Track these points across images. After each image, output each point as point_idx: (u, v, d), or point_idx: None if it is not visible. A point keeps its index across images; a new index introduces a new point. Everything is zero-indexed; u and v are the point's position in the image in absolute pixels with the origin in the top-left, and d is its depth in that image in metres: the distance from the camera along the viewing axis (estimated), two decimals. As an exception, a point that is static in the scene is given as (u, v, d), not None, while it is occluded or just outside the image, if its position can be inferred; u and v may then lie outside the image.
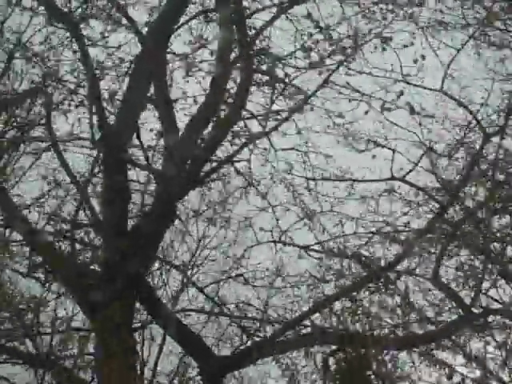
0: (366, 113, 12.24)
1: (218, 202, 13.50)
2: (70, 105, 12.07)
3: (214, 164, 11.91)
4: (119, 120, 10.84)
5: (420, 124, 12.42)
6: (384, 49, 11.74)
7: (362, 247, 13.08)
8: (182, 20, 11.62)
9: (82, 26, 11.15)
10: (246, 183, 13.07)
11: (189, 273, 12.81)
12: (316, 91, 11.92)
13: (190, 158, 11.21)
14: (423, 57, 11.66)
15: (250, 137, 12.04)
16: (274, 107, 12.22)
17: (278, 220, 13.14)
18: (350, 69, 12.03)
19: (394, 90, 11.92)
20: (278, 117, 12.04)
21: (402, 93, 11.98)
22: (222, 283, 12.72)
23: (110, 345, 9.60)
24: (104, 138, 10.76)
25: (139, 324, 12.51)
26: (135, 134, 11.26)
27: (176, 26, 11.51)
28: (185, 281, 12.40)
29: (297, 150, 12.47)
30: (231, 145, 12.39)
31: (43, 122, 11.85)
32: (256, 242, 13.43)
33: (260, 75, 12.27)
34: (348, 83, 12.06)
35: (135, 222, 11.16)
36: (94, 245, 11.71)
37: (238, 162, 12.75)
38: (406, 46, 11.68)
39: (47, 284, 11.85)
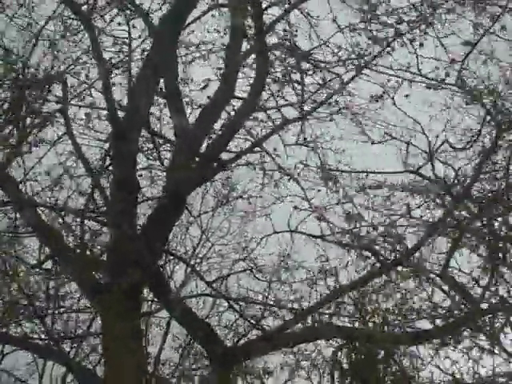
0: (407, 96, 12.12)
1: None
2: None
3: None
4: (129, 112, 10.93)
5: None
6: (421, 44, 11.66)
7: (375, 239, 12.99)
8: (195, 14, 11.65)
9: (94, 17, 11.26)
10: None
11: (196, 266, 12.80)
12: (355, 76, 11.87)
13: (204, 148, 11.35)
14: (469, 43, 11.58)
15: (284, 122, 11.92)
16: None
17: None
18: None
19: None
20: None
21: (448, 74, 11.86)
22: (229, 276, 12.70)
23: (117, 330, 9.77)
24: (114, 129, 10.93)
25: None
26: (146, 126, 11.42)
27: (189, 21, 11.56)
28: (190, 273, 12.39)
29: (306, 145, 12.36)
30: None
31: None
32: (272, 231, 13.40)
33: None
34: (390, 67, 11.93)
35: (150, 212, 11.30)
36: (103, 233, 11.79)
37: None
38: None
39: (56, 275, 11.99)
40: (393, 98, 12.27)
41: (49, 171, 11.88)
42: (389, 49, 11.70)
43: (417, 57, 11.76)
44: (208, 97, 11.75)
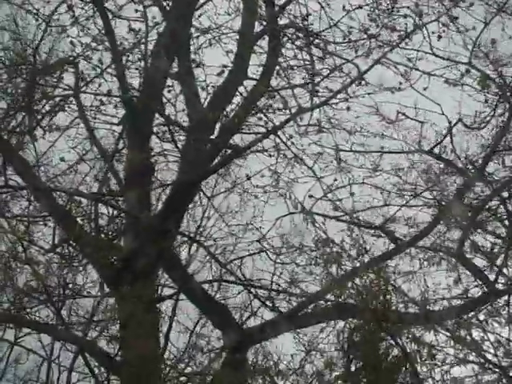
0: (425, 89, 12.02)
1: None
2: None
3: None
4: (143, 95, 10.94)
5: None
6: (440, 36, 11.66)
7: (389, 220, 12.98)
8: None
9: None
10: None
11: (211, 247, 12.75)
12: (372, 66, 11.58)
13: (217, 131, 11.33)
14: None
15: (298, 109, 11.78)
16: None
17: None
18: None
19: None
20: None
21: (468, 70, 11.87)
22: (244, 258, 12.64)
23: (133, 313, 9.81)
24: (129, 112, 10.95)
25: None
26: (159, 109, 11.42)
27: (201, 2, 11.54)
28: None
29: (319, 126, 12.28)
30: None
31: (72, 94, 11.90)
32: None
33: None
34: (409, 59, 11.86)
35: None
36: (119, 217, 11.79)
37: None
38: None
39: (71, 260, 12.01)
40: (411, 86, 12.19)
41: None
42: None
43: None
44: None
